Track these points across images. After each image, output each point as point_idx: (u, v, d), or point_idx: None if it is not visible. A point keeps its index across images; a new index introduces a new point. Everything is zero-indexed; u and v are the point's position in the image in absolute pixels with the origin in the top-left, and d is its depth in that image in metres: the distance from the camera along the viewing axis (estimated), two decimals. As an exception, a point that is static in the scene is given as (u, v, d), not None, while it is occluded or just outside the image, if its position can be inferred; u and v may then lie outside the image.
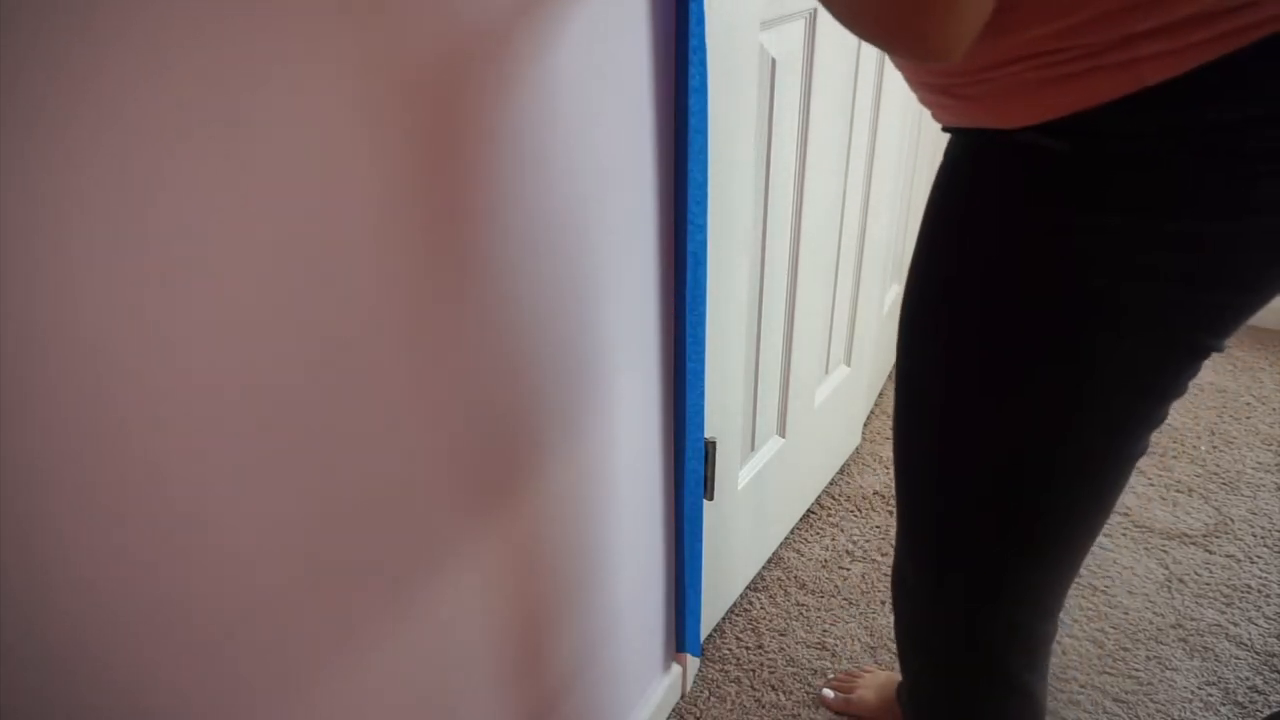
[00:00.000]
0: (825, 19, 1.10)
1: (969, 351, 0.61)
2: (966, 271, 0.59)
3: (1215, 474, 1.70)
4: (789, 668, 1.31)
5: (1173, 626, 1.35)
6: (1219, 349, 0.55)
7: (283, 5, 0.42)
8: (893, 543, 1.55)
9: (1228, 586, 1.43)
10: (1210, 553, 1.50)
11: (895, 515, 0.76)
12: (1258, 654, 1.30)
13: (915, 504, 0.71)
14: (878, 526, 1.60)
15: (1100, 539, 1.54)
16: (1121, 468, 0.61)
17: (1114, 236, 0.51)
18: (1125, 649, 1.31)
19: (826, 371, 1.53)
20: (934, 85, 0.59)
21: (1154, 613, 1.38)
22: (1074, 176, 0.51)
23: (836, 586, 1.46)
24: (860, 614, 1.40)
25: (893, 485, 1.70)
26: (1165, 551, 1.51)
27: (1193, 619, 1.36)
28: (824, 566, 1.51)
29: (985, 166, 0.57)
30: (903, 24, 0.43)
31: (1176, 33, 0.45)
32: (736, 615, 1.41)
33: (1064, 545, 0.65)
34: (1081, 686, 1.25)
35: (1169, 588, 1.43)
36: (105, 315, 0.38)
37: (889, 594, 1.44)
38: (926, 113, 1.83)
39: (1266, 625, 1.35)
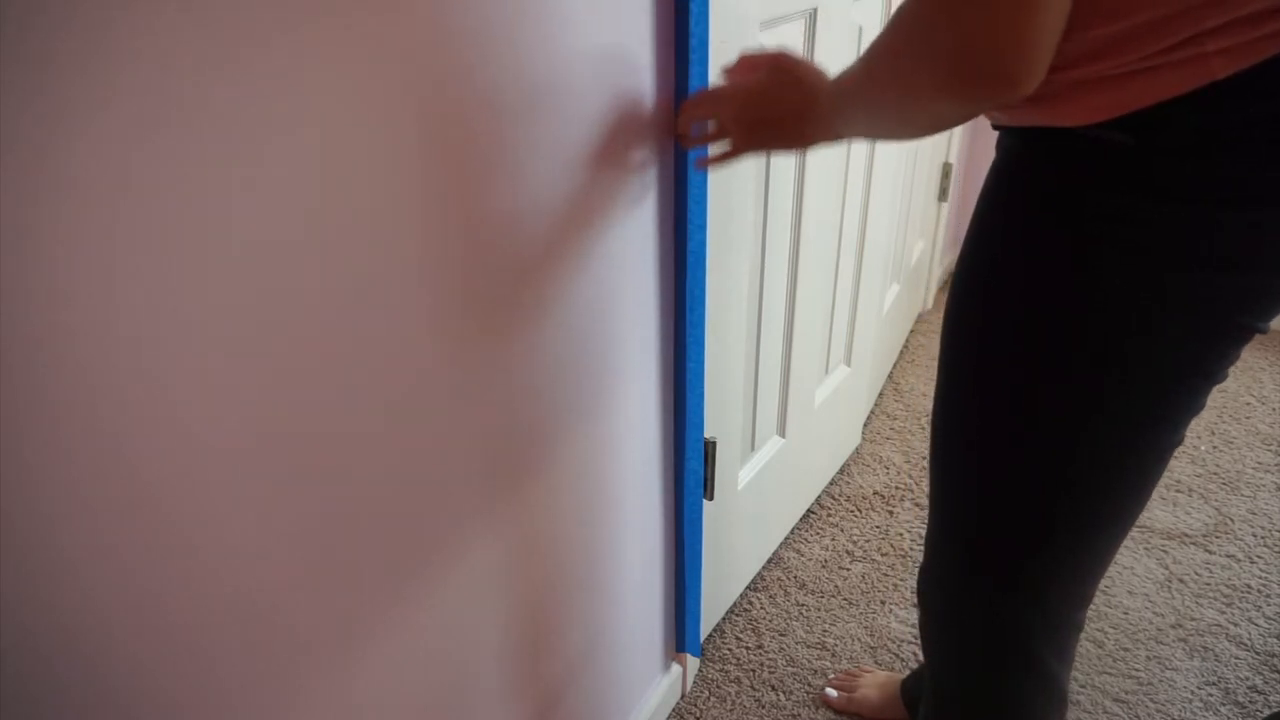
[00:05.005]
0: (825, 20, 1.10)
1: (1016, 337, 0.61)
2: (1018, 260, 0.60)
3: (1215, 474, 1.70)
4: (789, 668, 1.31)
5: (1173, 626, 1.35)
6: (1263, 330, 0.56)
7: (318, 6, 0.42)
8: (893, 542, 1.55)
9: (1228, 586, 1.43)
10: (1210, 553, 1.50)
11: (929, 505, 0.76)
12: (1258, 654, 1.30)
13: (952, 492, 0.72)
14: (878, 526, 1.60)
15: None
16: (1161, 456, 0.62)
17: (1173, 225, 0.51)
18: (1125, 649, 1.31)
19: (826, 371, 1.53)
20: None
21: (1154, 613, 1.38)
22: (1135, 167, 0.51)
23: (836, 586, 1.46)
24: (860, 614, 1.40)
25: (892, 485, 1.70)
26: (1165, 551, 1.51)
27: (1193, 619, 1.36)
28: (824, 566, 1.51)
29: (1042, 160, 0.57)
30: (985, 70, 0.44)
31: (1244, 27, 0.45)
32: (736, 615, 1.41)
33: (1101, 533, 0.66)
34: (1081, 686, 1.25)
35: (1169, 588, 1.43)
36: (106, 311, 0.38)
37: (889, 594, 1.44)
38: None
39: (1266, 625, 1.35)
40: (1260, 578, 1.44)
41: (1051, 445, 0.62)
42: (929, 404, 1.97)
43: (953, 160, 2.22)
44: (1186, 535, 1.54)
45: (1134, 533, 1.55)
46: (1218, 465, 1.73)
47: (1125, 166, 0.52)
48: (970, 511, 0.70)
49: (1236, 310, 0.54)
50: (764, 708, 1.24)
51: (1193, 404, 0.59)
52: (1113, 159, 0.52)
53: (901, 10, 0.47)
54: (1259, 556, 1.49)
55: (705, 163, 0.79)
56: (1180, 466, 1.73)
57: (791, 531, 1.59)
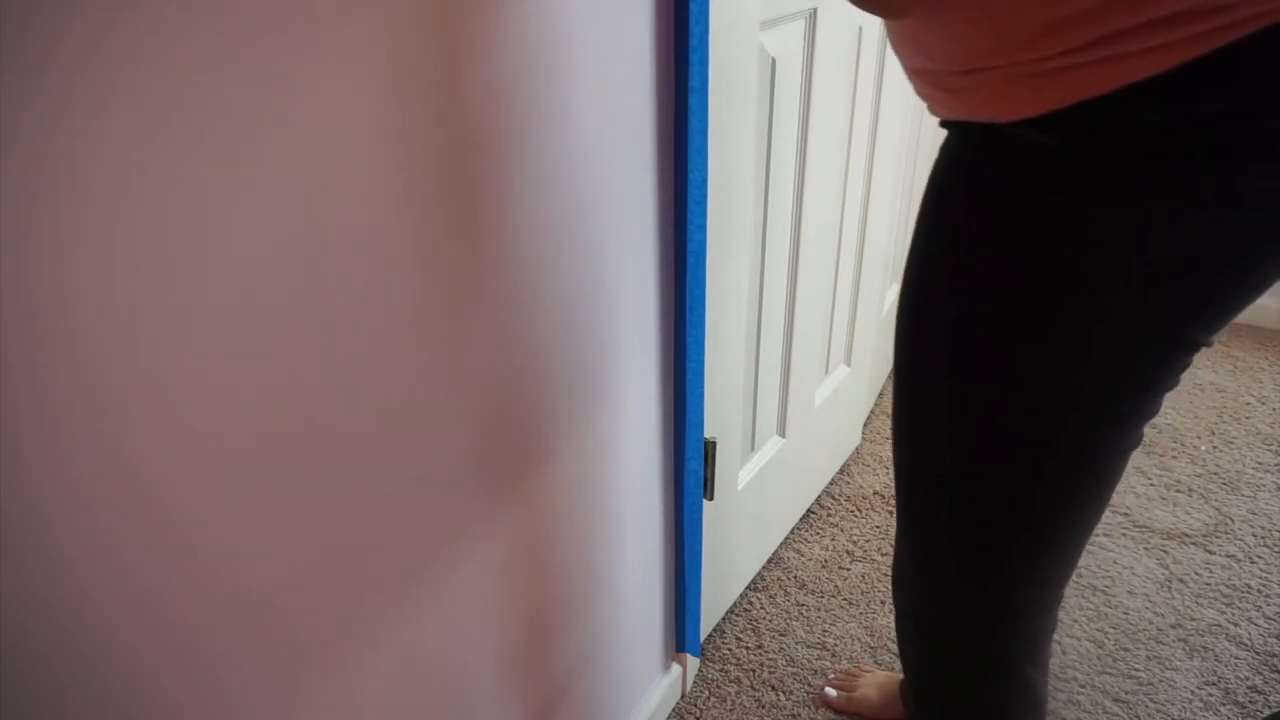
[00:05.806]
0: (825, 19, 1.10)
1: (963, 342, 0.61)
2: (961, 263, 0.60)
3: (1215, 474, 1.70)
4: (789, 668, 1.31)
5: (1173, 626, 1.35)
6: (1208, 343, 0.56)
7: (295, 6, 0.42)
8: (893, 543, 1.55)
9: (1228, 586, 1.43)
10: (1210, 553, 1.50)
11: (895, 508, 0.76)
12: (1258, 654, 1.30)
13: (915, 495, 0.72)
14: (878, 526, 1.60)
15: (1100, 539, 1.54)
16: (1117, 458, 0.62)
17: (1104, 227, 0.51)
18: (1125, 649, 1.31)
19: (826, 371, 1.53)
20: (927, 77, 0.59)
21: (1154, 613, 1.38)
22: (1063, 169, 0.52)
23: (836, 586, 1.46)
24: (860, 614, 1.40)
25: (893, 485, 1.70)
26: (1165, 551, 1.51)
27: (1193, 619, 1.36)
28: (824, 566, 1.51)
29: (978, 159, 0.57)
30: None
31: (1163, 29, 0.45)
32: (736, 615, 1.41)
33: (1062, 535, 0.66)
34: (1081, 686, 1.25)
35: (1169, 588, 1.43)
36: (103, 311, 0.38)
37: (889, 594, 1.44)
38: (927, 113, 1.83)
39: (1266, 625, 1.35)
40: (1260, 578, 1.44)
41: (1008, 451, 0.62)
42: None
43: (953, 160, 2.22)
44: (1186, 535, 1.54)
45: (1134, 532, 1.55)
46: (1218, 465, 1.73)
47: (1056, 166, 0.52)
48: (932, 516, 0.70)
49: (1177, 319, 0.53)
50: (764, 708, 1.24)
51: (1144, 409, 0.59)
52: (1043, 158, 0.52)
53: None
54: (1259, 556, 1.49)
55: None
56: (1180, 466, 1.73)
57: (791, 531, 1.59)
